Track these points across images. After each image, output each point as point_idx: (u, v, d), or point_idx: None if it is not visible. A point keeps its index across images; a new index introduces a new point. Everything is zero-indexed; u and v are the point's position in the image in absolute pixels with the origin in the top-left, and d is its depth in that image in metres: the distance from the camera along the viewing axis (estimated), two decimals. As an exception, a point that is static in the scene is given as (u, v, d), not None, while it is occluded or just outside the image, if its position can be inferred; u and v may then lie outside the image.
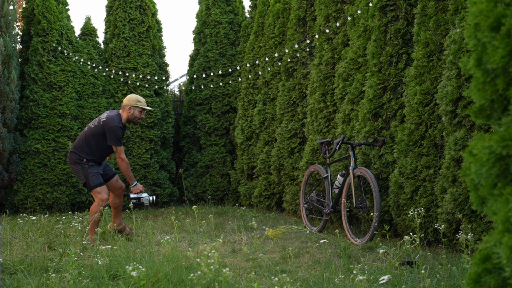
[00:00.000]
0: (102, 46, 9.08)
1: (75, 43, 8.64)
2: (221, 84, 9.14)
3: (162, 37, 9.44)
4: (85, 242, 5.14)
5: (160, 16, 16.60)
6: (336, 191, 5.78)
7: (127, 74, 8.80)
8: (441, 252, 4.43)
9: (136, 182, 5.63)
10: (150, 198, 5.59)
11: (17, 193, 8.14)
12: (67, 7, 8.81)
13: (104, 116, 5.61)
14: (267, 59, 7.92)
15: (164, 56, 9.33)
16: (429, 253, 4.24)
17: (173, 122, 9.24)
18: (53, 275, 3.39)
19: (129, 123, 5.80)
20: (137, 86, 8.84)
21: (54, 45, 8.31)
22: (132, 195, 5.56)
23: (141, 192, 5.59)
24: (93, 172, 5.48)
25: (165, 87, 9.26)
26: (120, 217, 5.80)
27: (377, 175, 5.49)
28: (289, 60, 7.35)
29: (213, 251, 2.75)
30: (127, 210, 7.84)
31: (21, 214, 7.58)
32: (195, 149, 9.30)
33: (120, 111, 5.70)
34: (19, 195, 8.09)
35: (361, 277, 2.69)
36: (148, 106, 5.84)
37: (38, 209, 8.08)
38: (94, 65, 8.70)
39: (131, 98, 5.67)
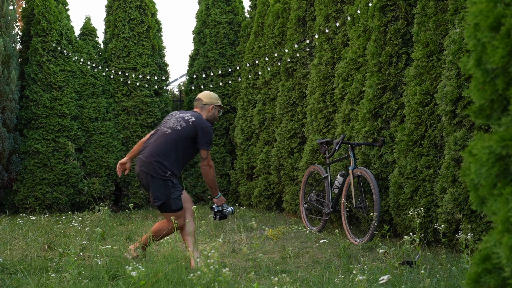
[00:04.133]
0: (102, 46, 9.08)
1: (74, 43, 8.64)
2: (220, 84, 9.14)
3: (162, 37, 9.44)
4: (85, 242, 5.13)
5: (160, 16, 16.62)
6: (336, 191, 5.78)
7: (126, 74, 8.80)
8: (441, 252, 4.43)
9: (220, 193, 4.67)
10: (230, 209, 4.74)
11: (16, 193, 8.14)
12: (66, 7, 8.82)
13: (189, 115, 4.57)
14: (266, 59, 7.92)
15: (163, 56, 9.34)
16: (429, 253, 4.24)
17: (173, 122, 9.23)
18: (53, 275, 3.39)
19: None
20: (136, 86, 8.84)
21: (54, 45, 8.31)
22: (216, 208, 4.68)
23: (224, 203, 4.74)
24: (179, 190, 4.47)
25: (165, 87, 9.26)
26: (195, 243, 4.44)
27: (376, 175, 5.49)
28: (288, 60, 7.35)
29: (213, 251, 2.75)
30: (126, 210, 7.84)
31: (20, 214, 7.58)
32: (195, 149, 9.30)
33: (198, 110, 4.70)
34: (18, 195, 8.09)
35: (360, 277, 2.69)
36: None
37: (37, 209, 8.08)
38: (93, 65, 8.70)
39: (212, 96, 4.75)
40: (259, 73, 8.14)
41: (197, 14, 9.50)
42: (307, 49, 7.05)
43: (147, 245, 4.50)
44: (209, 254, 2.72)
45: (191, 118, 4.52)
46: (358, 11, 5.85)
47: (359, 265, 3.89)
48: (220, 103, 4.79)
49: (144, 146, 4.57)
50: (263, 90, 8.04)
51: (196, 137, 4.48)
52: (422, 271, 3.24)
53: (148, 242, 4.45)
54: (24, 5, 8.86)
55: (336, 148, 5.59)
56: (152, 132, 4.68)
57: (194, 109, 4.75)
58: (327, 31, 6.51)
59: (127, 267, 2.82)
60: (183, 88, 10.95)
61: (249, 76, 8.40)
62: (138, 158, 4.54)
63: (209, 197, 8.95)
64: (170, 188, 4.38)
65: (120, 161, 4.76)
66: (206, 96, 4.74)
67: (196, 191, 9.06)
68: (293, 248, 4.87)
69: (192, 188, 9.07)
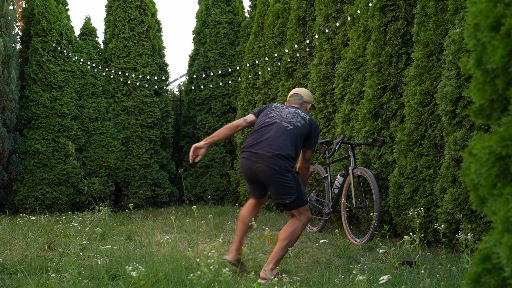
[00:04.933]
0: (102, 46, 9.08)
1: (74, 43, 8.64)
2: (220, 84, 9.14)
3: (162, 37, 9.45)
4: (85, 242, 5.13)
5: (160, 16, 16.61)
6: (336, 191, 5.78)
7: (126, 74, 8.80)
8: (441, 252, 4.43)
9: None
10: None
11: (16, 193, 8.14)
12: (66, 7, 8.82)
13: (302, 112, 4.24)
14: (266, 59, 7.92)
15: (163, 56, 9.34)
16: (429, 253, 4.24)
17: (173, 122, 9.24)
18: (53, 275, 3.38)
19: None
20: (136, 86, 8.84)
21: (53, 45, 8.31)
22: None
23: None
24: (303, 185, 4.20)
25: (164, 87, 9.26)
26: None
27: (376, 175, 5.49)
28: (288, 60, 7.35)
29: (213, 251, 2.75)
30: (126, 210, 7.84)
31: (20, 214, 7.57)
32: (195, 149, 9.29)
33: (296, 106, 4.38)
34: (18, 195, 8.09)
35: (360, 277, 2.69)
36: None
37: (37, 209, 8.08)
38: (93, 65, 8.70)
39: (311, 95, 4.53)
40: (259, 73, 8.14)
41: (197, 14, 9.50)
42: (307, 49, 7.05)
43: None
44: (209, 254, 2.72)
45: (306, 116, 4.21)
46: (358, 11, 5.85)
47: (359, 265, 3.89)
48: (313, 103, 4.62)
49: (258, 139, 4.09)
50: (263, 90, 8.04)
51: (308, 136, 4.17)
52: (422, 271, 3.24)
53: (281, 252, 3.96)
54: (24, 5, 8.86)
55: (336, 148, 5.59)
56: (261, 123, 4.20)
57: (291, 104, 4.39)
58: (327, 31, 6.51)
59: (127, 267, 2.82)
60: (183, 88, 10.95)
61: (249, 76, 8.40)
62: (254, 152, 4.05)
63: (209, 197, 8.95)
64: (298, 180, 4.06)
65: (196, 145, 4.23)
66: (306, 93, 4.45)
67: (196, 191, 9.06)
68: (293, 248, 4.86)
69: (192, 188, 9.07)
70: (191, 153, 4.22)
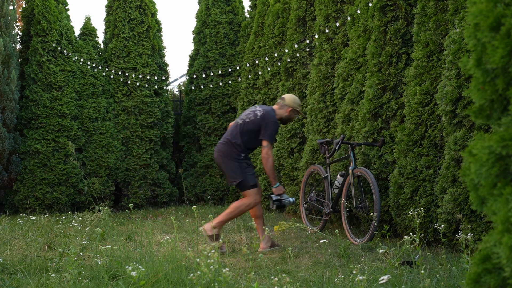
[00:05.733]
0: (102, 46, 9.08)
1: (74, 43, 8.64)
2: (220, 84, 9.14)
3: (162, 37, 9.45)
4: (85, 242, 5.13)
5: (160, 16, 16.62)
6: (336, 191, 5.78)
7: (126, 74, 8.80)
8: (441, 252, 4.43)
9: (278, 183, 5.15)
10: (291, 199, 5.20)
11: (16, 193, 8.14)
12: (66, 7, 8.82)
13: (260, 110, 5.16)
14: (266, 59, 7.92)
15: (163, 56, 9.34)
16: (429, 253, 4.23)
17: (173, 122, 9.24)
18: (53, 275, 3.38)
19: (280, 121, 5.30)
20: (136, 86, 8.84)
21: (53, 45, 8.31)
22: (274, 197, 5.13)
23: (284, 193, 5.18)
24: (251, 171, 5.11)
25: (164, 87, 9.27)
26: (263, 228, 5.09)
27: (376, 175, 5.49)
28: (288, 60, 7.35)
29: (213, 251, 2.75)
30: (126, 210, 7.84)
31: (20, 214, 7.58)
32: (195, 149, 9.30)
33: (276, 107, 5.28)
34: (18, 195, 8.09)
35: (361, 277, 2.69)
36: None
37: (37, 209, 8.08)
38: (93, 65, 8.70)
39: (296, 101, 5.28)
40: (259, 73, 8.14)
41: (197, 14, 9.50)
42: (307, 49, 7.05)
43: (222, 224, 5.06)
44: (209, 254, 2.72)
45: (260, 113, 5.13)
46: (358, 11, 5.85)
47: (359, 265, 3.89)
48: (300, 109, 5.31)
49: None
50: (263, 90, 8.04)
51: (260, 128, 5.07)
52: (422, 271, 3.24)
53: (225, 219, 5.02)
54: (24, 5, 8.86)
55: (336, 148, 5.59)
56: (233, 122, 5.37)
57: (275, 105, 5.33)
58: (327, 31, 6.51)
59: (127, 267, 2.82)
60: (183, 88, 10.95)
61: (249, 76, 8.40)
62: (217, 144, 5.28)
63: (209, 197, 8.96)
64: (245, 168, 5.05)
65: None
66: (289, 98, 5.29)
67: (196, 191, 9.06)
68: (293, 248, 4.87)
69: (192, 188, 9.07)
70: None
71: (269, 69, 7.87)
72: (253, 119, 5.11)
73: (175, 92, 10.99)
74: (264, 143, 5.06)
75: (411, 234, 3.88)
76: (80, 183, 8.30)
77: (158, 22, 9.26)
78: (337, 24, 6.35)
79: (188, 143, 9.35)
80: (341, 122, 6.07)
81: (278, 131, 5.25)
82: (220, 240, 4.91)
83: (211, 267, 2.65)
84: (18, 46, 8.72)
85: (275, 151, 7.48)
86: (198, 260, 2.83)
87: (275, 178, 5.11)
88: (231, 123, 5.36)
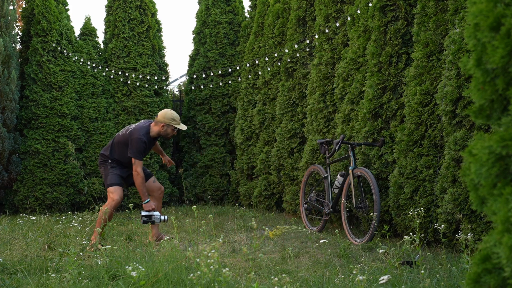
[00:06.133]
0: (102, 46, 9.08)
1: (74, 43, 8.64)
2: (220, 84, 9.14)
3: (162, 37, 9.45)
4: (85, 242, 5.14)
5: (160, 16, 16.61)
6: (336, 191, 5.78)
7: (126, 74, 8.81)
8: (441, 252, 4.43)
9: (148, 199, 5.43)
10: (162, 217, 5.40)
11: (17, 193, 8.14)
12: (66, 7, 8.82)
13: (133, 126, 5.54)
14: (266, 59, 7.92)
15: (163, 56, 9.34)
16: (429, 253, 4.24)
17: (173, 122, 9.23)
18: (53, 275, 3.38)
19: (159, 136, 5.61)
20: (136, 86, 8.84)
21: (54, 45, 8.31)
22: (143, 212, 5.39)
23: (153, 210, 5.41)
24: (113, 172, 5.46)
25: (164, 87, 9.27)
26: (157, 226, 5.56)
27: (376, 175, 5.49)
28: (288, 60, 7.35)
29: (213, 251, 2.75)
30: (126, 210, 7.84)
31: (20, 214, 7.58)
32: (195, 149, 9.30)
33: (153, 124, 5.55)
34: (19, 195, 8.09)
35: (361, 277, 2.69)
36: (180, 123, 5.69)
37: (37, 209, 8.08)
38: (93, 65, 8.70)
39: (167, 116, 5.52)
40: (259, 73, 8.14)
41: (197, 14, 9.50)
42: (307, 49, 7.05)
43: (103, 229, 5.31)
44: (209, 254, 2.72)
45: (131, 129, 5.49)
46: (358, 11, 5.85)
47: (359, 265, 3.89)
48: (173, 123, 5.51)
49: None
50: (263, 90, 8.04)
51: (128, 144, 5.42)
52: (422, 271, 3.24)
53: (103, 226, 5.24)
54: (24, 5, 8.86)
55: (336, 148, 5.59)
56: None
57: (152, 123, 5.57)
58: (327, 31, 6.51)
59: (127, 267, 2.82)
60: (183, 88, 10.95)
61: (249, 76, 8.40)
62: None
63: (209, 197, 8.96)
64: (108, 169, 5.48)
65: None
66: (162, 115, 5.54)
67: (196, 191, 9.06)
68: (293, 248, 4.87)
69: (192, 188, 9.07)
70: None
71: (269, 69, 7.87)
72: (124, 133, 5.50)
73: (175, 92, 11.00)
74: (132, 160, 5.39)
75: (411, 234, 3.88)
76: (80, 183, 8.30)
77: (158, 22, 9.26)
78: (337, 24, 6.35)
79: (188, 143, 9.35)
80: (341, 122, 6.07)
81: (146, 149, 5.47)
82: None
83: (211, 267, 2.65)
84: (18, 46, 8.72)
85: (275, 151, 7.49)
86: (198, 260, 2.83)
87: (145, 194, 5.39)
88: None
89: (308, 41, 7.02)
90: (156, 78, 8.97)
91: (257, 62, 8.14)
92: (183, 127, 5.65)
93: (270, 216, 7.25)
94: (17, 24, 8.76)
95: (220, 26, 9.22)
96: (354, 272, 2.83)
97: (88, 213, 7.39)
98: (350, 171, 5.42)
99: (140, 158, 5.37)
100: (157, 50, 9.15)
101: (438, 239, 4.69)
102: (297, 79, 7.23)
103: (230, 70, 9.08)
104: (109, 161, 5.50)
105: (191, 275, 2.69)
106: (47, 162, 8.17)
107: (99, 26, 20.01)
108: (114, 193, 5.35)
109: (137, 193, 8.73)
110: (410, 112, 5.01)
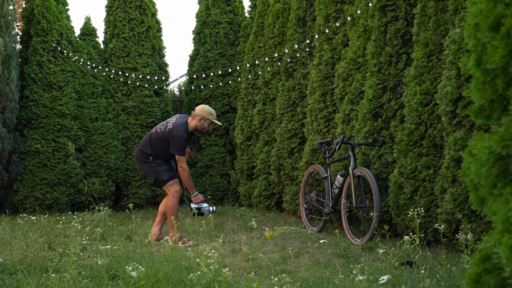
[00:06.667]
0: (102, 46, 9.08)
1: (74, 43, 8.65)
2: (220, 84, 9.14)
3: (162, 37, 9.45)
4: (85, 242, 5.13)
5: (160, 16, 16.62)
6: (336, 191, 5.78)
7: (126, 74, 8.81)
8: (441, 252, 4.43)
9: (197, 192, 5.66)
10: (211, 208, 5.62)
11: (16, 193, 8.14)
12: (66, 7, 8.82)
13: (171, 122, 5.66)
14: (266, 59, 7.92)
15: (163, 56, 9.34)
16: (429, 253, 4.24)
17: (173, 122, 9.23)
18: (53, 275, 3.38)
19: (196, 131, 5.79)
20: (136, 86, 8.84)
21: (53, 45, 8.31)
22: (193, 205, 5.61)
23: (202, 202, 5.62)
24: (164, 168, 5.65)
25: (164, 87, 9.27)
26: (161, 225, 5.81)
27: (376, 175, 5.49)
28: (288, 60, 7.35)
29: (213, 251, 2.75)
30: (126, 210, 7.84)
31: (20, 214, 7.58)
32: (195, 149, 9.30)
33: (190, 118, 5.70)
34: (18, 195, 8.09)
35: (361, 277, 2.69)
36: (216, 118, 5.93)
37: (37, 209, 8.08)
38: (93, 65, 8.70)
39: (205, 110, 5.70)
40: (259, 73, 8.14)
41: (197, 14, 9.50)
42: (307, 49, 7.05)
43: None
44: (209, 254, 2.72)
45: (170, 125, 5.62)
46: (358, 11, 5.85)
47: (359, 265, 3.89)
48: (211, 117, 5.69)
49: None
50: (263, 90, 8.04)
51: (169, 141, 5.58)
52: (422, 271, 3.24)
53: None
54: (24, 5, 8.86)
55: (336, 148, 5.59)
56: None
57: (190, 117, 5.72)
58: (327, 31, 6.51)
59: (127, 267, 2.82)
60: (183, 88, 10.95)
61: (249, 76, 8.40)
62: None
63: (209, 197, 8.96)
64: (156, 167, 5.64)
65: None
66: (200, 108, 5.72)
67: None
68: (293, 248, 4.87)
69: (192, 188, 9.07)
70: None
71: (269, 69, 7.87)
72: (163, 130, 5.64)
73: (175, 92, 11.00)
74: (176, 157, 5.59)
75: (411, 234, 3.88)
76: (80, 183, 8.30)
77: (158, 22, 9.26)
78: (337, 24, 6.35)
79: (188, 143, 9.35)
80: (341, 122, 6.07)
81: (187, 144, 5.68)
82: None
83: (211, 267, 2.65)
84: (18, 46, 8.72)
85: (275, 151, 7.49)
86: (198, 260, 2.83)
87: (193, 188, 5.62)
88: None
89: (308, 41, 7.02)
90: (156, 78, 8.97)
91: (257, 62, 8.14)
92: (218, 123, 5.83)
93: (270, 216, 7.25)
94: (17, 24, 8.76)
95: (220, 26, 9.22)
96: (354, 272, 2.83)
97: (88, 213, 7.39)
98: (350, 171, 5.42)
99: (183, 154, 5.58)
100: (157, 50, 9.15)
101: (438, 239, 4.69)
102: (297, 79, 7.23)
103: (230, 70, 9.08)
104: (151, 158, 5.64)
105: (191, 275, 2.69)
106: (47, 162, 8.17)
107: (99, 26, 20.01)
108: (174, 185, 5.64)
109: (137, 193, 8.74)
110: (410, 112, 5.01)
